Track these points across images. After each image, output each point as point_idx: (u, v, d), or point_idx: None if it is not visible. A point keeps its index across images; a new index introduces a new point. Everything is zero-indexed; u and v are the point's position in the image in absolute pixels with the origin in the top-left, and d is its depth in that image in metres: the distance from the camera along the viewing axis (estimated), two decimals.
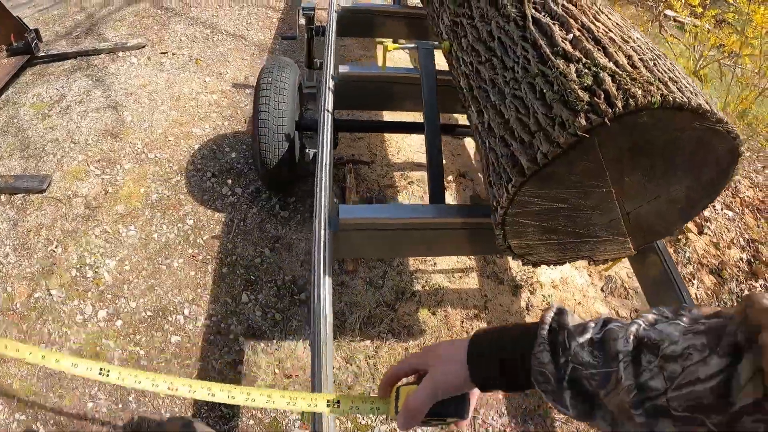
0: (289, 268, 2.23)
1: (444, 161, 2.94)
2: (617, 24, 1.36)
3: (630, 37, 1.28)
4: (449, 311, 2.26)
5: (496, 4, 1.53)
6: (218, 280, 2.15)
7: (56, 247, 2.26)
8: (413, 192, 2.71)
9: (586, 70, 1.14)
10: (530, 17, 1.36)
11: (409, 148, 2.96)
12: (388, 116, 2.96)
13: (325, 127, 1.84)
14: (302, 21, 3.04)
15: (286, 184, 2.47)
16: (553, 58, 1.22)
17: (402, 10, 3.03)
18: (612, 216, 1.37)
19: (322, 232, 1.47)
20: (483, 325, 2.25)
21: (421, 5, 3.57)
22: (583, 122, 1.06)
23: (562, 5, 1.37)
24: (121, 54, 3.50)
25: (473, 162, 3.00)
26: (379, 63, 1.96)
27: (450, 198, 2.74)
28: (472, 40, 1.56)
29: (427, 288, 2.30)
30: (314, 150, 1.78)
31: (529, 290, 2.44)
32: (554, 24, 1.30)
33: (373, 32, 3.13)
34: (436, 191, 1.80)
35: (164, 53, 3.57)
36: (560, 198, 1.26)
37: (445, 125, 2.60)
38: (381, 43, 1.95)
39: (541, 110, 1.16)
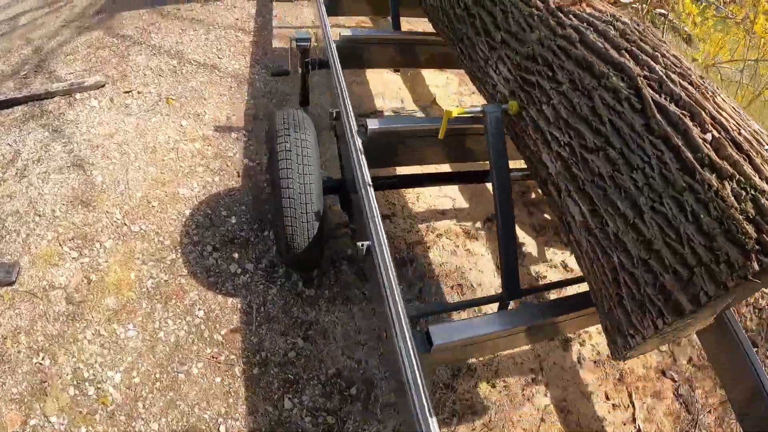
0: (330, 359, 2.03)
1: (467, 205, 2.81)
2: (735, 110, 1.25)
3: (756, 132, 1.19)
4: (508, 380, 2.14)
5: (591, 70, 1.38)
6: (251, 385, 1.91)
7: (43, 358, 1.95)
8: (443, 246, 2.55)
9: (743, 192, 1.04)
10: (650, 100, 1.23)
11: (428, 192, 2.80)
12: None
13: (370, 205, 1.64)
14: (281, 44, 2.79)
15: (315, 265, 2.25)
16: (699, 168, 1.10)
17: (407, 37, 2.85)
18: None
19: (413, 359, 1.28)
20: (542, 389, 2.16)
21: (421, 30, 3.38)
22: (756, 267, 0.97)
23: (680, 83, 1.25)
24: (78, 96, 3.13)
25: None
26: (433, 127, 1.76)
27: (483, 248, 2.60)
28: (566, 113, 1.41)
29: (481, 359, 2.16)
30: (366, 242, 1.57)
31: (578, 342, 2.37)
32: (685, 116, 1.17)
33: (375, 63, 2.94)
34: (512, 284, 1.66)
35: (128, 92, 3.21)
36: (694, 315, 1.18)
37: (476, 173, 2.46)
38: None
39: (699, 239, 1.05)
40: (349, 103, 2.05)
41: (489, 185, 2.96)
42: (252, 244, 2.39)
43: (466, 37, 1.99)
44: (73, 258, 2.28)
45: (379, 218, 1.58)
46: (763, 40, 2.94)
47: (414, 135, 2.05)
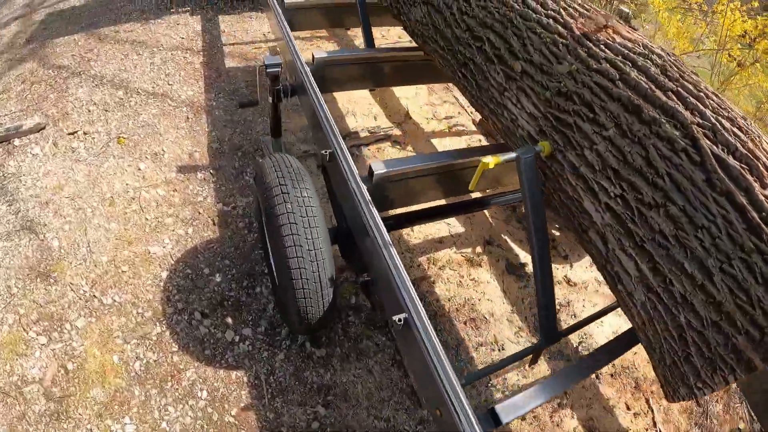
0: (357, 423, 1.93)
1: (463, 229, 2.78)
2: None
3: None
4: (536, 410, 2.14)
5: (640, 115, 1.34)
6: None
7: None
8: (448, 279, 2.51)
9: None
10: (709, 153, 1.20)
11: None
12: None
13: (398, 270, 1.52)
14: (234, 62, 2.65)
15: (327, 327, 2.14)
16: (765, 228, 1.09)
17: (385, 54, 2.73)
18: None
19: None
20: (568, 412, 2.18)
21: (404, 45, 3.24)
22: None
23: (732, 131, 1.24)
24: (17, 142, 2.83)
25: (491, 223, 2.86)
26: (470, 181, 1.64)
27: (487, 275, 2.58)
28: (615, 162, 1.36)
29: (506, 393, 2.15)
30: (402, 315, 1.48)
31: None
32: (744, 169, 1.16)
33: (354, 85, 2.83)
34: (551, 329, 1.64)
35: (73, 133, 2.95)
36: None
37: (477, 201, 2.42)
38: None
39: None
40: (342, 142, 1.95)
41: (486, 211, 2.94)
42: (245, 305, 2.25)
43: (472, 63, 1.88)
44: (43, 344, 2.06)
45: (411, 284, 1.50)
46: (729, 31, 3.07)
47: (421, 175, 1.98)
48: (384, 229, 1.64)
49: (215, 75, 3.52)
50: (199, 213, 2.62)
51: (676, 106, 1.29)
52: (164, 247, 2.44)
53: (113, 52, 3.55)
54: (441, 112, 3.52)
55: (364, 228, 1.71)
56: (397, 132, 3.27)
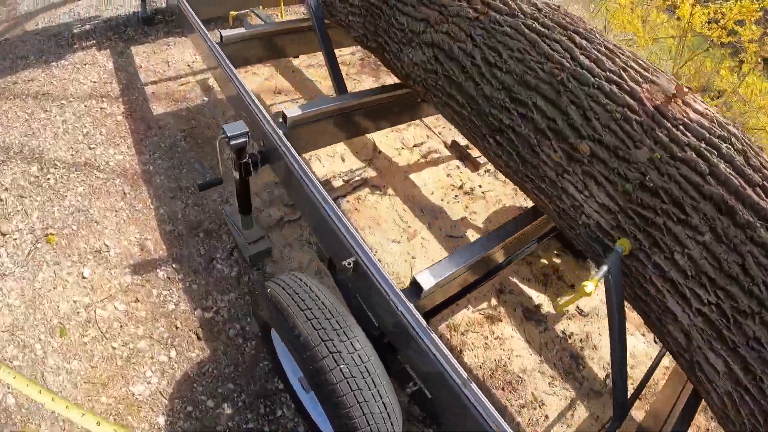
0: None
1: None
2: None
3: None
4: None
5: (734, 217, 1.21)
6: None
7: None
8: (473, 344, 2.30)
9: None
10: None
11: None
12: None
13: (492, 419, 1.28)
14: (163, 107, 2.29)
15: None
16: None
17: (370, 99, 2.33)
18: None
19: None
20: None
21: (381, 85, 2.84)
22: None
23: None
24: None
25: None
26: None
27: (509, 328, 2.41)
28: (711, 270, 1.23)
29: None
30: None
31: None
32: None
33: (332, 139, 2.45)
34: (624, 411, 1.54)
35: None
36: None
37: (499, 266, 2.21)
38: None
39: None
40: (367, 246, 1.62)
41: None
42: None
43: (512, 132, 1.59)
44: None
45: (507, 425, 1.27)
46: (690, 23, 3.03)
47: (464, 272, 1.74)
48: (459, 367, 1.37)
49: (144, 128, 2.94)
50: (177, 327, 2.18)
51: (767, 207, 1.19)
52: (149, 384, 2.01)
53: (15, 112, 2.83)
54: (409, 138, 3.22)
55: (418, 348, 1.44)
56: (371, 173, 2.93)
